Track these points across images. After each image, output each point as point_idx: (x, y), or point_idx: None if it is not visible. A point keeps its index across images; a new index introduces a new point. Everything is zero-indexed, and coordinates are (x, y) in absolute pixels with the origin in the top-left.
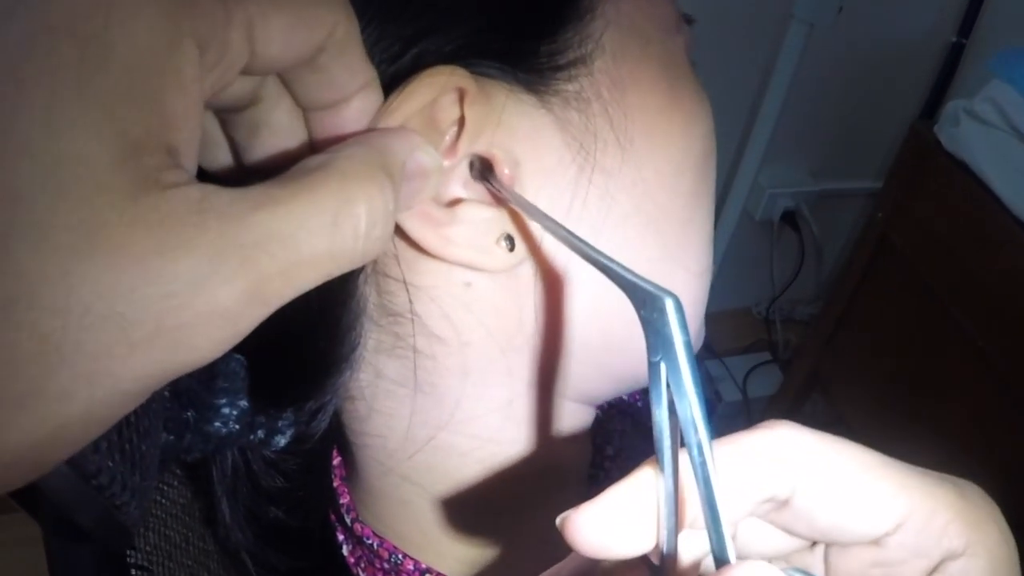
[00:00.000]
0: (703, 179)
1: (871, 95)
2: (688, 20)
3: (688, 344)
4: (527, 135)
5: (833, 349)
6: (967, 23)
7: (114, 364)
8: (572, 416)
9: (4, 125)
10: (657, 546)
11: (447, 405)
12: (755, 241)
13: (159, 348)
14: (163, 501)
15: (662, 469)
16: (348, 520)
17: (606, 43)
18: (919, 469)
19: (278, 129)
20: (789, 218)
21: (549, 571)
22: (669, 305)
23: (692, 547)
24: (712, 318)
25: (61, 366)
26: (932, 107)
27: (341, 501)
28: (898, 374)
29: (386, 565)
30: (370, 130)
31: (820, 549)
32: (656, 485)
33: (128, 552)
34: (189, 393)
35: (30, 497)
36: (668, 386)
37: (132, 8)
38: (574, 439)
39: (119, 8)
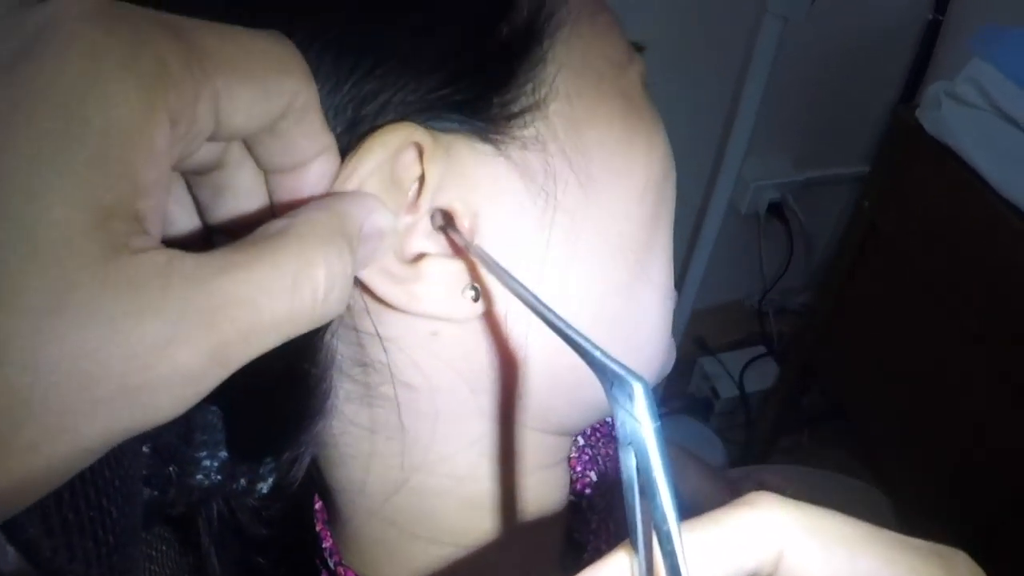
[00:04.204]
0: (663, 200)
1: (849, 80)
2: (639, 48)
3: (659, 431)
4: (486, 184)
5: (827, 340)
6: None
7: (78, 420)
8: (548, 447)
9: None
10: None
11: (420, 447)
12: (743, 235)
13: (121, 406)
14: (153, 568)
15: (636, 551)
16: (331, 564)
17: (559, 86)
18: (905, 540)
19: (241, 192)
20: (775, 210)
21: None
22: (638, 390)
23: None
24: (704, 314)
25: (29, 420)
26: (912, 88)
27: (324, 545)
28: (894, 362)
29: None
30: (329, 194)
31: None
32: (631, 569)
33: None
34: (169, 448)
35: None
36: (638, 470)
37: (111, 82)
38: (552, 470)
39: (98, 82)
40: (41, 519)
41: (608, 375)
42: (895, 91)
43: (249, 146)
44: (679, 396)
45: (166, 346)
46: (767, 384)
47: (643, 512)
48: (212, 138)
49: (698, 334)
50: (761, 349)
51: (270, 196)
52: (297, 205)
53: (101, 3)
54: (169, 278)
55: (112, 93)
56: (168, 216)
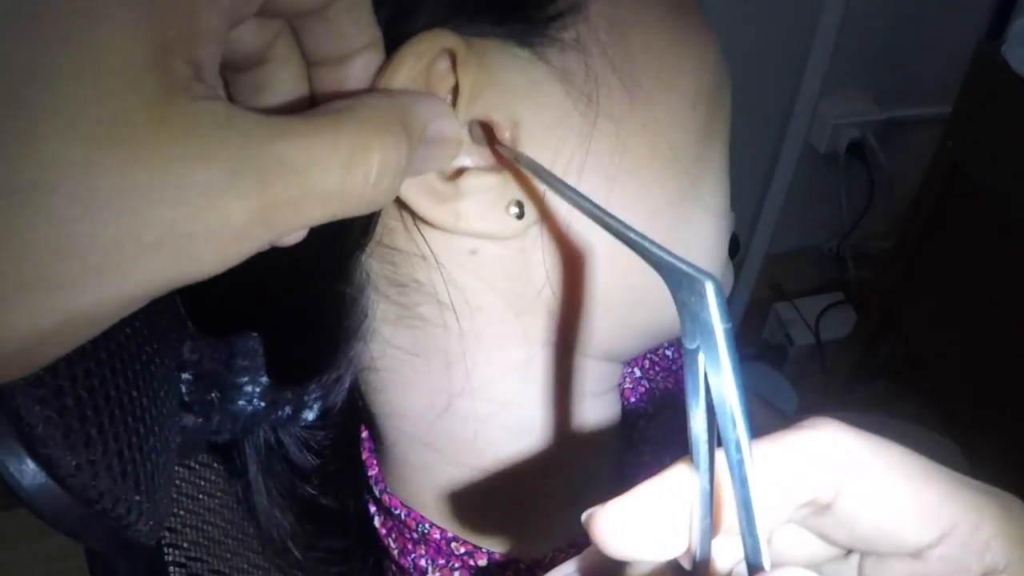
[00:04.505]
0: (717, 112)
1: (934, 14)
2: None
3: (729, 332)
4: (525, 92)
5: (907, 287)
6: None
7: (123, 262)
8: (596, 374)
9: (49, 16)
10: (689, 550)
11: (462, 371)
12: (821, 175)
13: (166, 253)
14: (201, 496)
15: (697, 467)
16: (377, 491)
17: None
18: (964, 479)
19: (280, 91)
20: (856, 149)
21: (567, 563)
22: (709, 289)
23: (727, 552)
24: (780, 258)
25: (73, 255)
26: (999, 24)
27: (370, 472)
28: (976, 311)
29: (414, 535)
30: (398, 89)
31: (854, 559)
32: (691, 484)
33: (166, 551)
34: (212, 375)
35: None
36: (706, 376)
37: None
38: (600, 398)
39: None
40: (63, 435)
41: (675, 276)
42: (981, 27)
43: (298, 32)
44: (753, 342)
45: (217, 196)
46: (844, 332)
47: (707, 422)
48: (265, 10)
49: (773, 279)
50: (838, 295)
51: (312, 89)
52: (339, 97)
53: None
54: (228, 130)
55: None
56: None
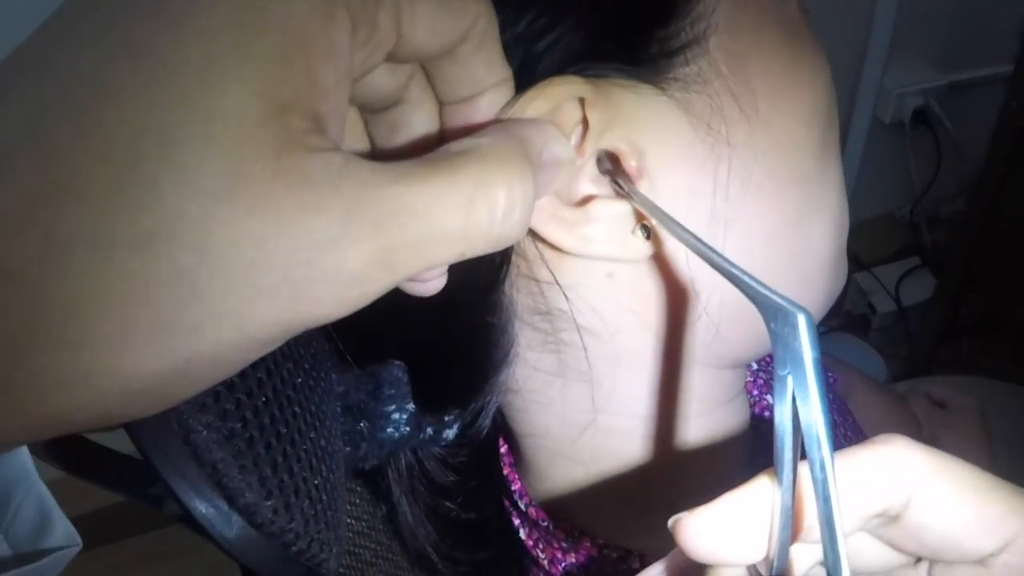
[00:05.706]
0: (829, 128)
1: None
2: None
3: (818, 361)
4: (651, 124)
5: (982, 247)
6: None
7: (241, 306)
8: (728, 382)
9: (165, 76)
10: (768, 558)
11: (603, 390)
12: (889, 145)
13: (284, 298)
14: (350, 521)
15: (780, 480)
16: (522, 505)
17: (719, 19)
18: None
19: (415, 130)
20: (921, 117)
21: (655, 564)
22: (801, 321)
23: (802, 560)
24: (855, 229)
25: (192, 301)
26: None
27: (513, 487)
28: None
29: (563, 544)
30: (507, 120)
31: (924, 566)
32: (772, 495)
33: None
34: (360, 405)
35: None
36: (794, 400)
37: None
38: (731, 403)
39: None
40: (260, 483)
41: (771, 308)
42: None
43: (429, 74)
44: (836, 314)
45: (331, 244)
46: (924, 296)
47: (792, 441)
48: (394, 56)
49: (851, 250)
50: (916, 260)
51: (443, 124)
52: (465, 134)
53: None
54: (343, 179)
55: None
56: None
